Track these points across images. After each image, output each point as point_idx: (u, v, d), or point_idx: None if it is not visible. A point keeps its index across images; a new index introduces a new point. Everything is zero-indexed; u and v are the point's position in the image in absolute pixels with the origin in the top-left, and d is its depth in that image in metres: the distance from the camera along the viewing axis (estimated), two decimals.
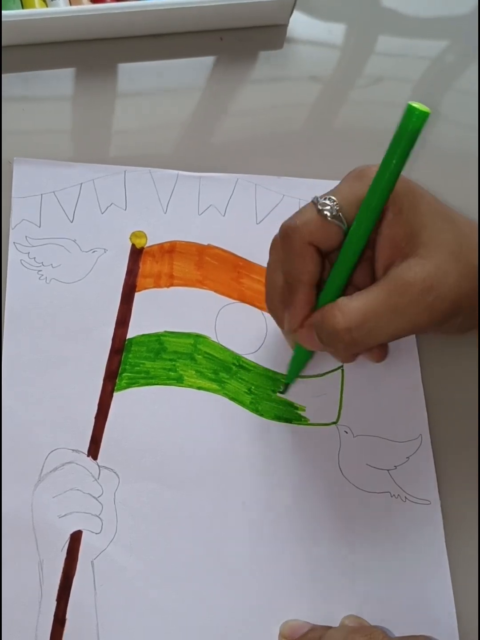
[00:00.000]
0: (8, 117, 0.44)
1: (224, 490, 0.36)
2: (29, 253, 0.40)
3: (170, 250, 0.41)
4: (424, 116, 0.28)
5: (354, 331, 0.31)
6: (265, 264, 0.36)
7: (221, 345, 0.40)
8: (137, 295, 0.40)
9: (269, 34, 0.51)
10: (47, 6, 0.47)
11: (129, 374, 0.38)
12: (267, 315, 0.40)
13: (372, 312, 0.31)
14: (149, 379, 0.38)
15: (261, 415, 0.38)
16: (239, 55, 0.50)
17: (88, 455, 0.36)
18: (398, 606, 0.35)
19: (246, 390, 0.39)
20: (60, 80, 0.47)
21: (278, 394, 0.39)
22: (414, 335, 0.41)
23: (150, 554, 0.34)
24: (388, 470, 0.38)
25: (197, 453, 0.37)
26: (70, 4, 0.47)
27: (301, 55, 0.51)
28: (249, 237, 0.42)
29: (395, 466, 0.38)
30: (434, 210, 0.33)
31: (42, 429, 0.36)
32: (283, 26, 0.51)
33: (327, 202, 0.32)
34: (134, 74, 0.48)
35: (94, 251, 0.41)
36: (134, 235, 0.42)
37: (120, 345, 0.39)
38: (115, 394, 0.37)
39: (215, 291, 0.41)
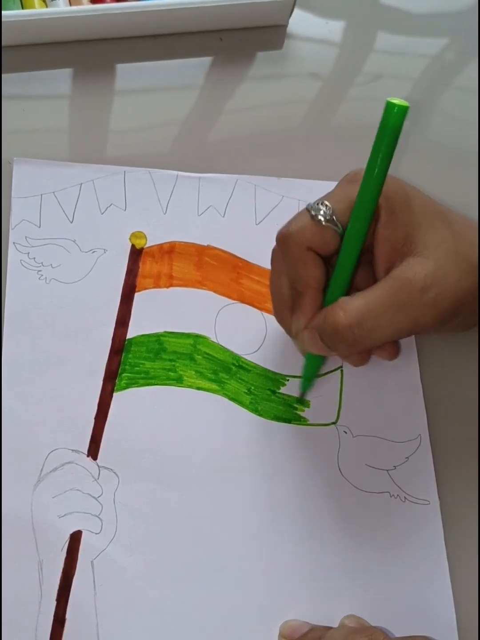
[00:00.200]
0: (8, 117, 0.44)
1: (224, 490, 0.36)
2: (28, 253, 0.40)
3: (169, 250, 0.41)
4: (403, 111, 0.28)
5: (355, 329, 0.32)
6: (265, 265, 0.37)
7: (221, 345, 0.40)
8: (136, 295, 0.40)
9: (268, 34, 0.51)
10: (46, 6, 0.47)
11: (129, 374, 0.38)
12: (267, 315, 0.40)
13: (374, 310, 0.32)
14: (149, 379, 0.38)
15: (261, 415, 0.38)
16: (238, 55, 0.50)
17: (88, 456, 0.36)
18: (398, 606, 0.35)
19: (246, 391, 0.39)
20: (60, 80, 0.47)
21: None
22: (413, 336, 0.41)
23: (150, 554, 0.34)
24: (387, 470, 0.38)
25: (197, 453, 0.37)
26: (70, 4, 0.47)
27: (300, 52, 0.51)
28: (249, 238, 0.42)
29: (394, 466, 0.38)
30: (426, 209, 0.34)
31: (42, 429, 0.36)
32: (283, 27, 0.51)
33: (321, 206, 0.33)
34: (133, 74, 0.48)
35: (93, 251, 0.41)
36: (134, 235, 0.42)
37: (120, 346, 0.39)
38: (115, 394, 0.38)
39: (215, 292, 0.41)
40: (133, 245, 0.41)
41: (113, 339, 0.39)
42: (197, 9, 0.47)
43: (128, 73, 0.48)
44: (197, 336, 0.40)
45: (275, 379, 0.39)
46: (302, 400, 0.39)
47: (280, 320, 0.37)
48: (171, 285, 0.41)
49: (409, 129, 0.43)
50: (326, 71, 0.51)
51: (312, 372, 0.38)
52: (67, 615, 0.33)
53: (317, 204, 0.33)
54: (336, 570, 0.35)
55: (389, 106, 0.28)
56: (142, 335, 0.39)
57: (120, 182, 0.43)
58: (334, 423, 0.39)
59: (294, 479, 0.37)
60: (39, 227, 0.41)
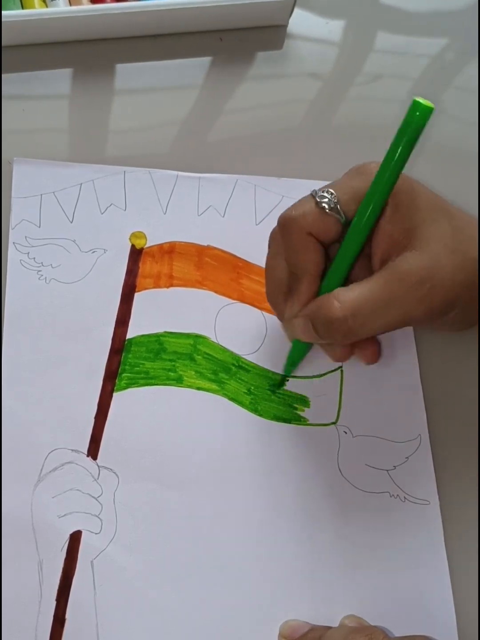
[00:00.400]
0: (8, 117, 0.44)
1: (224, 490, 0.36)
2: (28, 253, 0.40)
3: (169, 250, 0.41)
4: (428, 111, 0.28)
5: (349, 320, 0.32)
6: (264, 265, 0.36)
7: (221, 345, 0.40)
8: (136, 295, 0.40)
9: (268, 34, 0.51)
10: (46, 6, 0.47)
11: (129, 374, 0.38)
12: (267, 315, 0.40)
13: (368, 301, 0.32)
14: (149, 379, 0.38)
15: (260, 415, 0.38)
16: (238, 55, 0.50)
17: (88, 456, 0.36)
18: (398, 606, 0.35)
19: (246, 391, 0.39)
20: (59, 80, 0.47)
21: (275, 389, 0.39)
22: (412, 336, 0.41)
23: (149, 554, 0.34)
24: (387, 470, 0.38)
25: (197, 453, 0.37)
26: (70, 4, 0.47)
27: (300, 52, 0.51)
28: (249, 238, 0.42)
29: (394, 466, 0.38)
30: (431, 205, 0.34)
31: (42, 429, 0.36)
32: (283, 27, 0.51)
33: (326, 194, 0.33)
34: (133, 74, 0.48)
35: (93, 251, 0.41)
36: (134, 235, 0.42)
37: (120, 346, 0.39)
38: (115, 394, 0.38)
39: (215, 292, 0.41)
40: (133, 245, 0.41)
41: (113, 339, 0.39)
42: (197, 9, 0.47)
43: (128, 73, 0.48)
44: (197, 336, 0.40)
45: (275, 379, 0.39)
46: (283, 381, 0.39)
47: (272, 302, 0.37)
48: (171, 285, 0.41)
49: None
50: (326, 71, 0.51)
51: (298, 357, 0.38)
52: (67, 615, 0.33)
53: (323, 191, 0.33)
54: (336, 570, 0.35)
55: (415, 105, 0.28)
56: (142, 335, 0.39)
57: (120, 182, 0.43)
58: (334, 423, 0.39)
59: (293, 479, 0.37)
60: (39, 227, 0.41)
